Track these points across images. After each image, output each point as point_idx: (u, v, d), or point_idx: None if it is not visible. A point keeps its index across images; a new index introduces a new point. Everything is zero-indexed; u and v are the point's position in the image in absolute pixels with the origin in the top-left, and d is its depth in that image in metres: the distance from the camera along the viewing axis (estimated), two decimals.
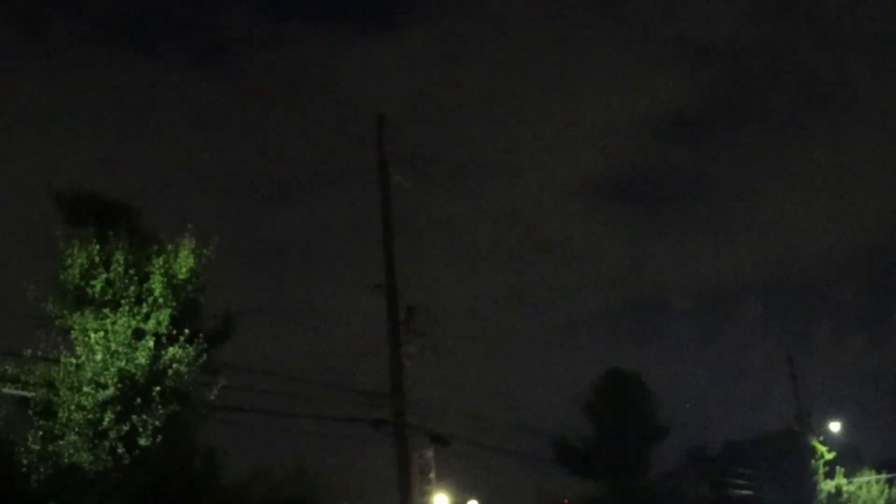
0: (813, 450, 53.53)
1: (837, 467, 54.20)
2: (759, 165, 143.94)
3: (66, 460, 19.50)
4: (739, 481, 49.07)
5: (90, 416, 19.63)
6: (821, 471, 53.33)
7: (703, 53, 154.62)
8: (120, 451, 19.65)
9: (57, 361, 20.14)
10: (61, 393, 19.85)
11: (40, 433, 19.68)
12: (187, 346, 20.77)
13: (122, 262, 20.96)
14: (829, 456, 54.02)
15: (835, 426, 56.74)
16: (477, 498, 58.27)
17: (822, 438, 55.55)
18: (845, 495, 54.04)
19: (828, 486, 53.31)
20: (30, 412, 20.00)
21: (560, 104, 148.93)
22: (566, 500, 58.75)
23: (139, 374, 20.06)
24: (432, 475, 26.37)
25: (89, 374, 19.82)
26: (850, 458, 56.03)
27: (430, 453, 26.47)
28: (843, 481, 54.24)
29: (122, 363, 19.97)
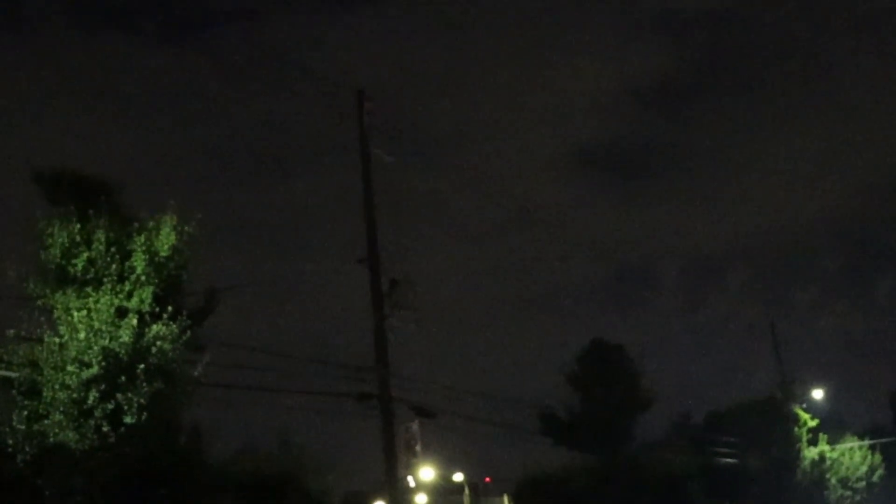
0: (796, 417, 53.78)
1: (821, 434, 54.44)
2: (742, 135, 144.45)
3: (51, 439, 19.50)
4: (723, 449, 49.28)
5: (75, 395, 19.61)
6: (804, 438, 53.57)
7: (686, 24, 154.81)
8: (105, 429, 19.65)
9: (40, 341, 20.10)
10: (45, 372, 19.82)
11: (25, 413, 19.67)
12: (171, 323, 20.73)
13: (103, 240, 20.90)
14: (813, 423, 54.25)
15: (817, 393, 56.98)
16: (462, 470, 58.56)
17: (804, 405, 55.82)
18: (828, 462, 54.32)
19: (811, 453, 53.59)
20: (14, 392, 19.96)
21: (543, 75, 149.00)
22: (487, 479, 59.00)
23: (123, 352, 20.02)
24: (418, 448, 26.43)
25: (73, 353, 19.79)
26: (833, 425, 56.30)
27: (415, 426, 26.54)
28: (827, 448, 54.52)
29: (106, 341, 19.93)
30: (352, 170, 28.02)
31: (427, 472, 59.57)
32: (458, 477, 58.00)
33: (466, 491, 57.13)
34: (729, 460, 49.30)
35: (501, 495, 58.25)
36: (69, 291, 20.58)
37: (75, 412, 19.64)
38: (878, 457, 57.23)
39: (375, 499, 53.13)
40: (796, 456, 52.81)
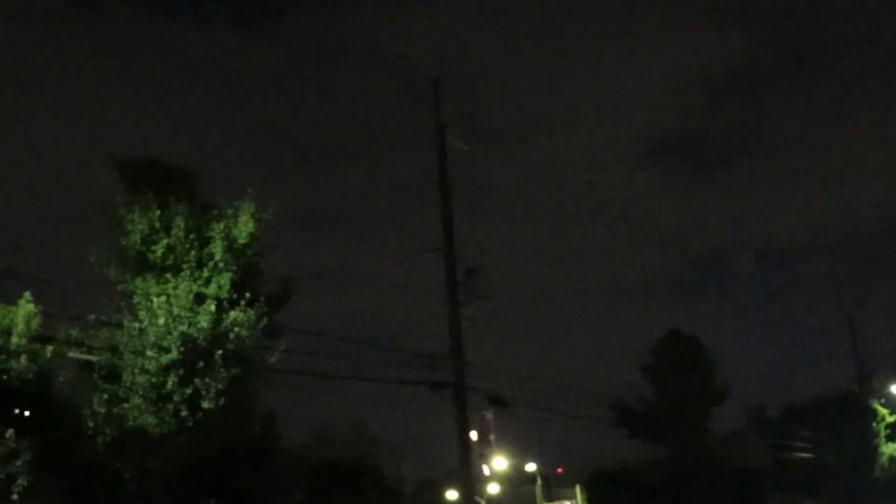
0: (874, 412, 52.97)
1: None
2: (820, 124, 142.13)
3: (130, 423, 19.78)
4: (799, 444, 48.70)
5: (153, 380, 19.90)
6: (882, 434, 52.73)
7: (762, 10, 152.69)
8: (183, 413, 19.91)
9: (120, 326, 20.41)
10: (125, 357, 20.12)
11: (105, 396, 19.99)
12: (248, 309, 20.94)
13: (182, 227, 21.16)
14: (891, 419, 53.38)
15: None
16: (536, 460, 58.46)
17: (883, 401, 54.97)
18: None
19: (889, 448, 52.72)
20: (94, 376, 20.31)
21: (614, 62, 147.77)
22: (560, 469, 58.72)
23: (201, 337, 20.25)
24: (492, 437, 26.48)
25: (152, 339, 20.05)
26: None
27: (489, 415, 26.56)
28: None
29: (185, 327, 20.17)
30: (426, 158, 28.03)
31: (500, 462, 59.64)
32: (531, 467, 57.89)
33: (539, 481, 57.00)
34: (804, 455, 48.68)
35: (574, 486, 58.10)
36: (149, 277, 20.86)
37: (154, 396, 19.91)
38: None
39: (448, 487, 53.36)
40: (873, 452, 51.97)
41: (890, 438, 53.08)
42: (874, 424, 52.55)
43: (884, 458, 52.23)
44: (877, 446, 52.11)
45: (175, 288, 20.53)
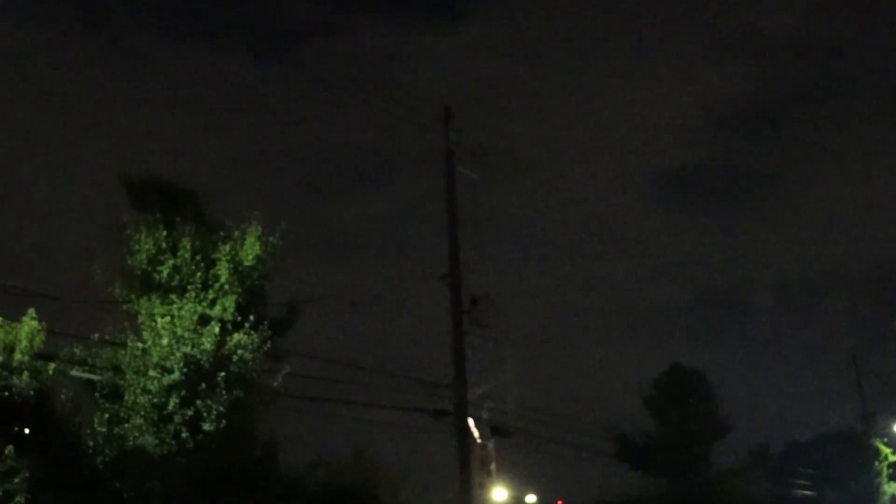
0: (877, 451, 52.82)
1: None
2: (830, 161, 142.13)
3: (131, 443, 19.71)
4: (801, 481, 48.56)
5: (155, 400, 19.85)
6: (884, 472, 52.58)
7: (772, 47, 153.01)
8: (184, 435, 19.83)
9: (124, 345, 20.38)
10: (127, 376, 20.09)
11: (106, 416, 19.92)
12: (252, 332, 20.91)
13: (188, 248, 21.15)
14: (894, 458, 53.26)
15: None
16: (536, 492, 58.20)
17: (886, 440, 54.82)
18: None
19: (891, 488, 52.54)
20: (96, 395, 20.26)
21: (626, 96, 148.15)
22: (560, 502, 58.47)
23: (204, 359, 20.22)
24: (492, 467, 26.32)
25: (155, 359, 20.01)
26: None
27: (490, 445, 26.42)
28: None
29: (188, 348, 20.14)
30: (434, 184, 28.03)
31: (500, 493, 59.45)
32: (531, 498, 57.69)
33: None
34: (806, 492, 48.54)
35: None
36: (154, 297, 20.85)
37: (155, 417, 19.85)
38: None
39: None
40: (875, 491, 51.81)
41: (892, 478, 52.92)
42: (876, 463, 52.41)
43: (886, 498, 52.04)
44: (879, 485, 51.96)
45: (180, 309, 20.51)
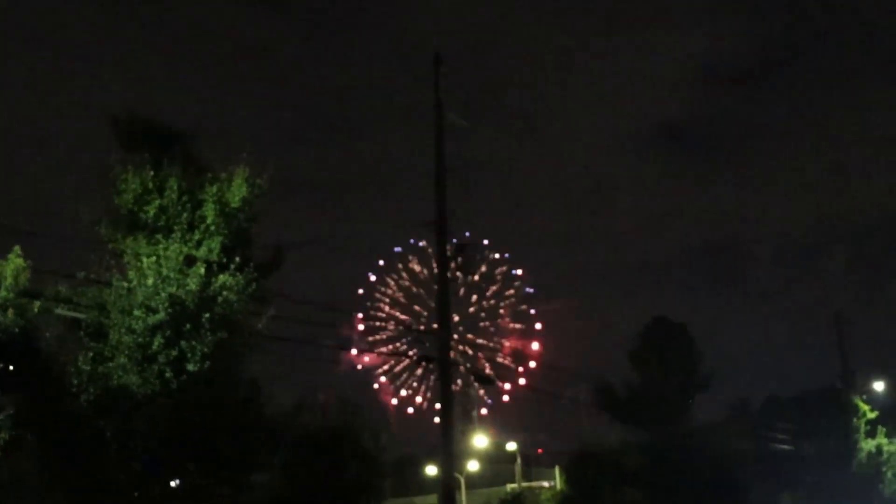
0: (856, 408, 53.13)
1: (879, 427, 53.75)
2: (821, 117, 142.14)
3: (115, 382, 19.77)
4: (780, 436, 48.84)
5: (140, 340, 19.88)
6: (862, 429, 52.90)
7: (761, 4, 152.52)
8: (168, 375, 19.90)
9: (109, 285, 20.37)
10: (112, 316, 20.09)
11: (91, 354, 19.97)
12: (237, 274, 20.92)
13: (175, 188, 21.12)
14: (872, 415, 53.54)
15: (879, 385, 56.30)
16: (516, 440, 58.59)
17: (865, 397, 55.15)
18: (885, 455, 53.59)
19: (868, 444, 52.86)
20: (81, 334, 20.26)
21: (621, 50, 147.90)
22: (540, 450, 58.90)
23: (189, 300, 20.23)
24: (475, 413, 26.48)
25: (140, 299, 20.02)
26: (893, 419, 55.55)
27: (473, 392, 26.54)
28: (885, 441, 53.74)
29: (173, 289, 20.15)
30: (425, 132, 27.91)
31: (481, 440, 59.77)
32: (512, 446, 58.05)
33: (518, 460, 57.16)
34: (784, 447, 48.84)
35: (553, 467, 58.21)
36: (140, 237, 20.83)
37: (139, 356, 19.89)
38: None
39: (428, 462, 53.46)
40: (853, 447, 52.15)
41: (870, 434, 53.25)
42: (855, 420, 52.71)
43: (862, 455, 52.38)
44: (856, 442, 52.27)
45: (165, 249, 20.49)
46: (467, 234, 26.72)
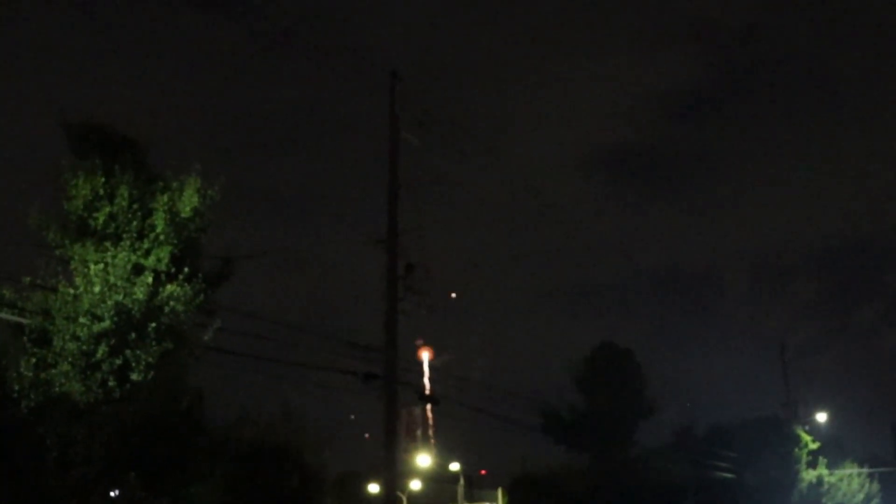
0: (798, 438, 53.66)
1: (820, 458, 54.33)
2: (768, 148, 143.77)
3: (57, 389, 19.56)
4: (722, 464, 49.18)
5: (84, 347, 19.69)
6: (804, 459, 53.45)
7: (715, 34, 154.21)
8: (111, 384, 19.74)
9: (55, 290, 20.16)
10: (57, 322, 19.88)
11: (33, 360, 19.74)
12: (185, 284, 20.80)
13: (126, 196, 20.98)
14: (814, 446, 54.14)
15: (821, 416, 56.98)
16: (460, 460, 58.62)
17: (807, 428, 55.74)
18: (826, 486, 54.18)
19: (809, 475, 53.46)
20: (24, 339, 20.04)
21: (576, 73, 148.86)
22: (483, 471, 58.99)
23: (136, 308, 20.08)
24: (419, 433, 26.47)
25: (86, 306, 19.84)
26: (834, 450, 56.19)
27: (418, 411, 26.55)
28: (825, 472, 54.38)
29: (120, 297, 19.99)
30: (378, 148, 27.91)
31: (424, 459, 59.78)
32: (455, 466, 58.08)
33: (461, 481, 57.17)
34: (727, 475, 49.19)
35: (496, 489, 58.31)
36: (88, 244, 20.64)
37: (83, 364, 19.71)
38: (875, 485, 57.11)
39: (370, 480, 53.32)
40: (795, 477, 52.68)
41: (811, 465, 53.82)
42: (797, 450, 53.26)
43: (804, 484, 52.94)
44: (798, 472, 52.83)
45: (114, 257, 20.33)
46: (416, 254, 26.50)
